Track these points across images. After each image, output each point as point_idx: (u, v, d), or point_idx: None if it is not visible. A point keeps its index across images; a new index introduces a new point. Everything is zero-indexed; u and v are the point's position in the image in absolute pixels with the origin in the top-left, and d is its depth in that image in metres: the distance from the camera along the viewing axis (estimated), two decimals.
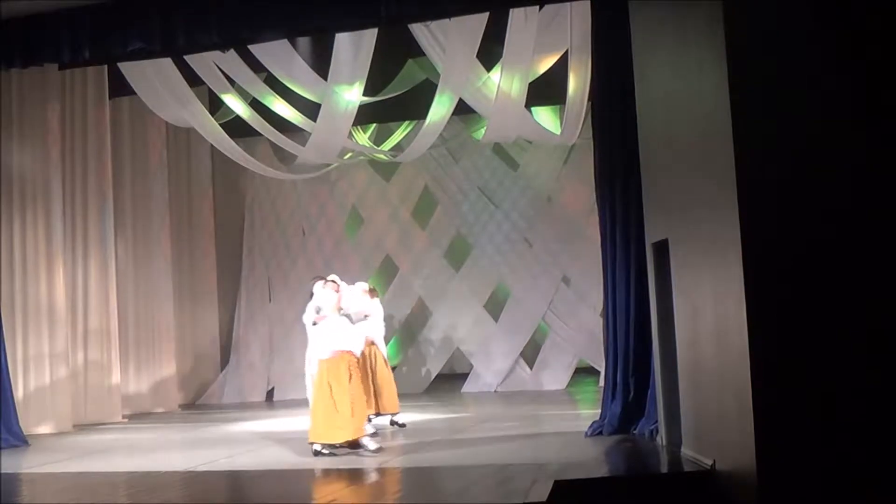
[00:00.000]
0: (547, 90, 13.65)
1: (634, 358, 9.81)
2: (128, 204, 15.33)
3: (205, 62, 13.20)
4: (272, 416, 14.16)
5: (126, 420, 13.98)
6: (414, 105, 14.80)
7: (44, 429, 12.46)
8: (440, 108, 13.75)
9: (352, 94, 13.76)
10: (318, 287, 10.08)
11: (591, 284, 14.91)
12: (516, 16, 11.94)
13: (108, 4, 11.11)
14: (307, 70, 13.83)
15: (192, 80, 13.53)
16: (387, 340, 12.65)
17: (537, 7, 11.84)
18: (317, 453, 9.41)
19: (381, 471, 8.73)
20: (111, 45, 11.30)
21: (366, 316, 11.25)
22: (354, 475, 8.69)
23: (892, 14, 6.39)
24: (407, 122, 16.32)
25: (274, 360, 17.21)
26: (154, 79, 13.36)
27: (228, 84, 14.01)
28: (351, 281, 12.50)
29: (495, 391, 16.00)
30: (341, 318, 9.76)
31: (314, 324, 9.79)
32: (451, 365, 17.54)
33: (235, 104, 14.38)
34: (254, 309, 17.67)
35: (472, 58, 12.87)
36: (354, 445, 9.47)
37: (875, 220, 6.29)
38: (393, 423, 11.73)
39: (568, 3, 11.43)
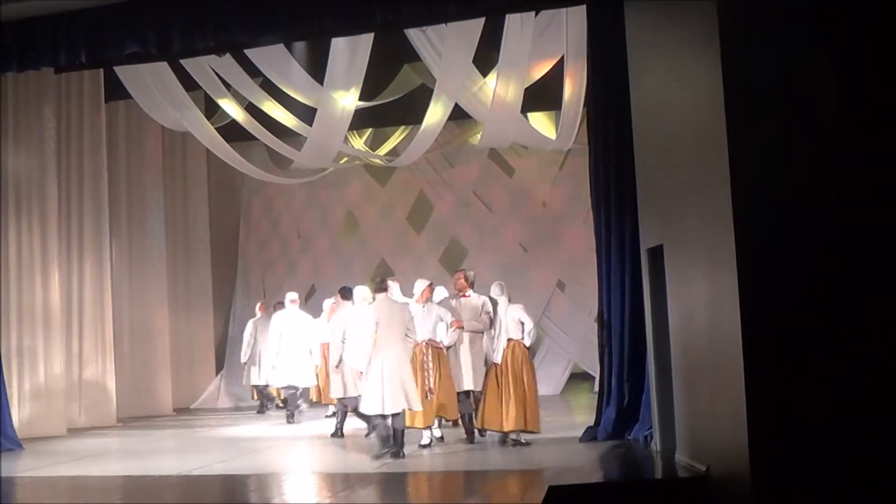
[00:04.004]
0: (543, 96, 13.65)
1: (629, 363, 9.83)
2: (123, 208, 15.34)
3: (201, 66, 13.22)
4: (267, 420, 14.13)
5: (121, 424, 13.95)
6: (410, 110, 14.83)
7: (39, 432, 12.41)
8: (436, 113, 13.75)
9: (348, 99, 13.77)
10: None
11: (585, 289, 14.89)
12: (512, 21, 11.97)
13: (104, 8, 11.10)
14: (303, 75, 13.83)
15: (189, 84, 13.54)
16: None
17: (533, 13, 11.87)
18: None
19: (376, 475, 8.72)
20: (107, 48, 11.29)
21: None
22: (351, 479, 8.69)
23: (889, 18, 6.41)
24: (403, 127, 16.35)
25: None
26: (150, 83, 13.37)
27: (224, 88, 14.01)
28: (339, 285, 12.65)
29: None
30: None
31: None
32: None
33: (231, 108, 14.39)
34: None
35: (468, 63, 12.88)
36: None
37: (869, 226, 6.30)
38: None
39: (564, 10, 11.45)
